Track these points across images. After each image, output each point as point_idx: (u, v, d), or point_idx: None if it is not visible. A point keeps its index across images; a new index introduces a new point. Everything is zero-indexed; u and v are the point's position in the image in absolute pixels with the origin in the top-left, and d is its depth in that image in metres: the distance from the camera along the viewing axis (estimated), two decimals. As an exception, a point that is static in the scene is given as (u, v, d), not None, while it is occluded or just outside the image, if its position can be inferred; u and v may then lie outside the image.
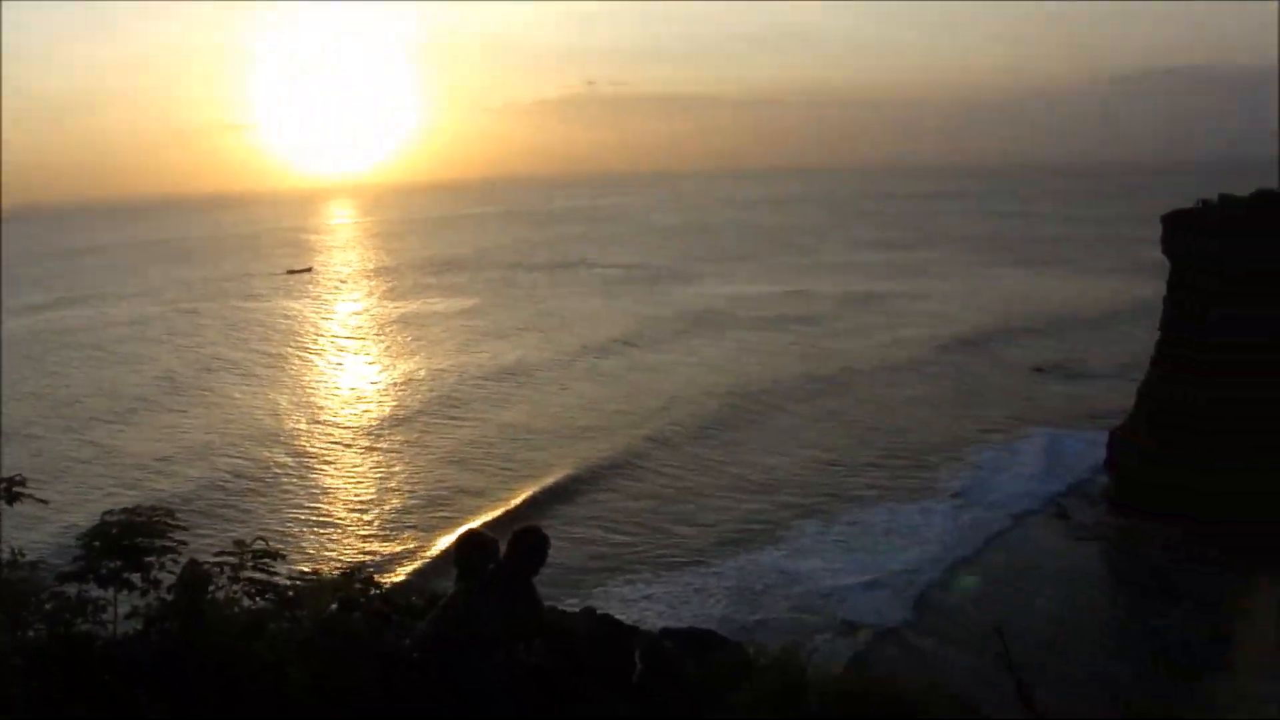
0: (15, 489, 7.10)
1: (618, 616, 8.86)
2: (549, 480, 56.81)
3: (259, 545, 7.58)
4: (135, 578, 7.08)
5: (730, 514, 53.38)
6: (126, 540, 7.08)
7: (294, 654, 6.72)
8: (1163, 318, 56.77)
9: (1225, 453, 50.52)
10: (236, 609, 7.24)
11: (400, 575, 42.39)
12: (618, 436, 64.15)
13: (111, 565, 7.02)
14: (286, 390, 78.54)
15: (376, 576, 8.05)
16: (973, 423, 68.42)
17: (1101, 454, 57.24)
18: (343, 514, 53.70)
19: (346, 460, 61.29)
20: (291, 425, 67.87)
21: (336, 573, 8.01)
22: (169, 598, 7.09)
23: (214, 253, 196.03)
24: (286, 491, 56.14)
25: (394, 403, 73.97)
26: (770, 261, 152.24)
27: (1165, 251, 56.50)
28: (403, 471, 58.92)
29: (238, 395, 76.72)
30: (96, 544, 7.07)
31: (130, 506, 7.43)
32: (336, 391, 78.83)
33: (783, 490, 56.49)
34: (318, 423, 68.90)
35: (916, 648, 39.32)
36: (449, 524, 48.75)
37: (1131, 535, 51.76)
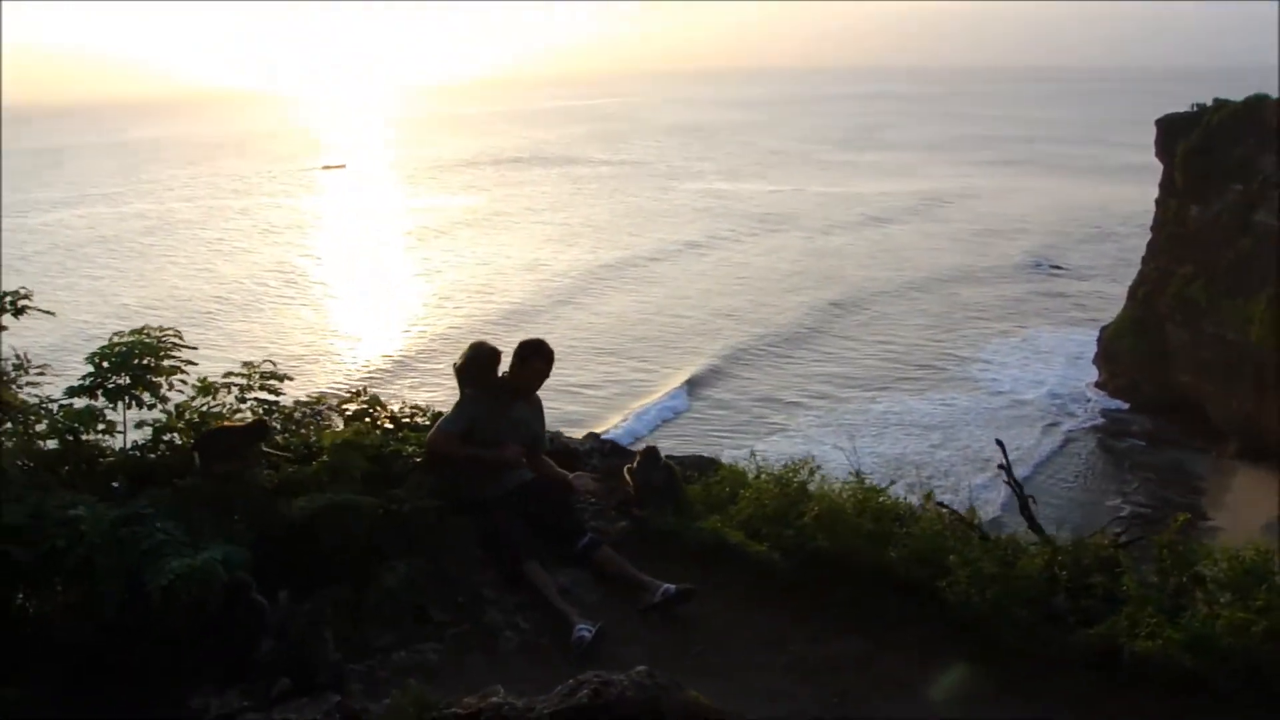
0: (21, 302, 6.74)
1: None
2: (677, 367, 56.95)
3: (266, 367, 7.28)
4: (145, 396, 6.76)
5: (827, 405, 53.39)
6: (135, 359, 6.75)
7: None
8: (1154, 218, 56.09)
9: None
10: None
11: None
12: (727, 336, 63.06)
13: (120, 381, 6.70)
14: (344, 301, 73.80)
15: (381, 397, 7.75)
16: (981, 325, 67.61)
17: (1092, 349, 57.17)
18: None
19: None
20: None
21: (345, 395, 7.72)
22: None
23: (247, 150, 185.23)
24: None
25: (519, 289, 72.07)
26: (807, 161, 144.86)
27: (1159, 155, 55.49)
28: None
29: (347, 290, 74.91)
30: (105, 363, 6.73)
31: (139, 328, 7.06)
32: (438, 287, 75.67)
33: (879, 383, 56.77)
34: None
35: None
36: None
37: (1117, 422, 52.30)
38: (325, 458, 6.60)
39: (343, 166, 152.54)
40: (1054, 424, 52.56)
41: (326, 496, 6.16)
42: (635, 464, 7.26)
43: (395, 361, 57.45)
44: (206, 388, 6.96)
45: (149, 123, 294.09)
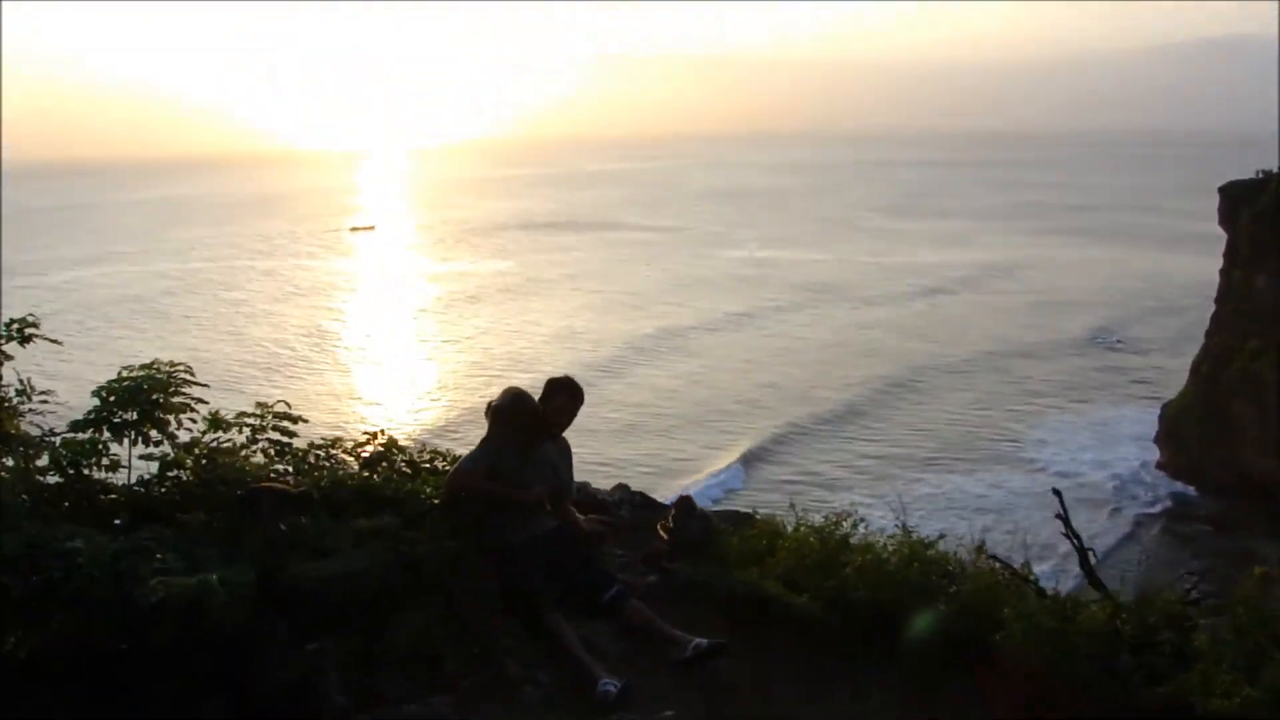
0: (28, 330, 6.69)
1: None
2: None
3: (280, 408, 7.19)
4: (151, 433, 6.67)
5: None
6: (144, 395, 6.67)
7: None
8: (1218, 290, 55.46)
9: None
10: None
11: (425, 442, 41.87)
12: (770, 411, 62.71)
13: (126, 417, 6.61)
14: (371, 369, 74.26)
15: (399, 440, 7.65)
16: (1038, 401, 66.66)
17: (1154, 427, 56.18)
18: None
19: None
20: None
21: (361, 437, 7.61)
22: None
23: (272, 210, 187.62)
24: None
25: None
26: (855, 228, 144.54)
27: (1223, 223, 55.02)
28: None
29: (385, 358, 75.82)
30: (112, 397, 6.64)
31: (149, 363, 6.98)
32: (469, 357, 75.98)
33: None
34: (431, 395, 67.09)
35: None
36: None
37: (1182, 506, 51.26)
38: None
39: (372, 228, 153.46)
40: (1118, 508, 51.46)
41: (337, 564, 5.97)
42: (670, 516, 7.12)
43: (426, 429, 57.34)
44: (217, 423, 6.87)
45: (169, 182, 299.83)
